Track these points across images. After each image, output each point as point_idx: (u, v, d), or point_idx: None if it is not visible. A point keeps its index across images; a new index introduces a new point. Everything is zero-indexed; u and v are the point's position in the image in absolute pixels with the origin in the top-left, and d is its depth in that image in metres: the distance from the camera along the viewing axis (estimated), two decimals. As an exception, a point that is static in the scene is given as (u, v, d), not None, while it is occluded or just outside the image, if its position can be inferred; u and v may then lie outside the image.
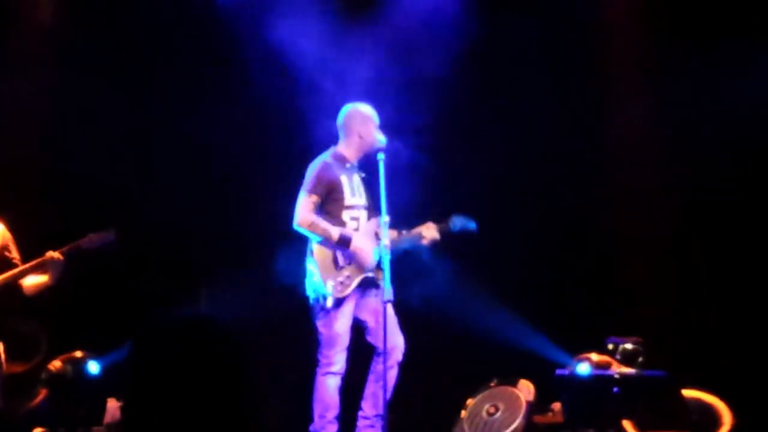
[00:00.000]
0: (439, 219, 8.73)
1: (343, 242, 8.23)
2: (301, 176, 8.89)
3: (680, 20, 10.44)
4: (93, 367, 8.93)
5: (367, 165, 8.84)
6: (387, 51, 10.34)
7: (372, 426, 8.49)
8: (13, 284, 8.18)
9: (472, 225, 8.79)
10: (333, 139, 9.03)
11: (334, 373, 8.30)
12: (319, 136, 9.40)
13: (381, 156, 8.34)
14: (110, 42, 10.62)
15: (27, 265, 8.14)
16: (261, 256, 9.84)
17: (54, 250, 8.11)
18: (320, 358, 8.36)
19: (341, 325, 8.30)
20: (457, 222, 8.72)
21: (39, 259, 8.11)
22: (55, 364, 8.74)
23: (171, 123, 10.38)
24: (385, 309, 8.04)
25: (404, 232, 8.57)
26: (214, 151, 10.47)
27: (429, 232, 8.49)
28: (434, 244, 8.62)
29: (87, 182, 10.00)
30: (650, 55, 10.65)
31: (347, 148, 8.54)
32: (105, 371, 9.06)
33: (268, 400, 10.05)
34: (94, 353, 9.02)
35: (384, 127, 8.91)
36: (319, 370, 8.38)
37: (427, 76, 10.32)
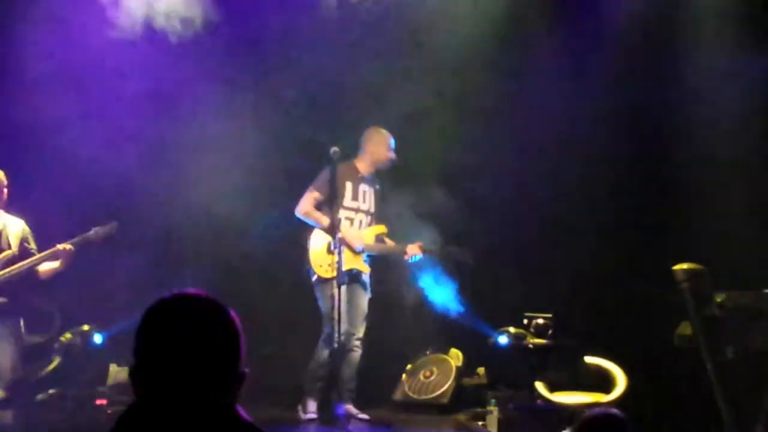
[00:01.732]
0: (432, 244, 9.24)
1: (332, 228, 8.68)
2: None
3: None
4: (97, 339, 9.31)
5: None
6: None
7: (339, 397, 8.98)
8: (32, 270, 8.41)
9: (467, 259, 9.27)
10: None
11: (331, 340, 8.67)
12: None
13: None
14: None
15: (42, 254, 8.42)
16: (235, 243, 10.41)
17: (65, 241, 8.40)
18: (323, 328, 8.86)
19: (334, 302, 8.62)
20: (453, 253, 9.25)
21: (52, 249, 8.38)
22: (66, 336, 9.11)
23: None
24: (339, 290, 8.44)
25: (396, 245, 9.13)
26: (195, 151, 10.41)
27: (412, 249, 9.01)
28: (414, 261, 9.14)
29: (92, 185, 10.04)
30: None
31: (361, 162, 9.11)
32: (107, 342, 9.42)
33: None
34: (98, 327, 9.39)
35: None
36: (320, 338, 8.89)
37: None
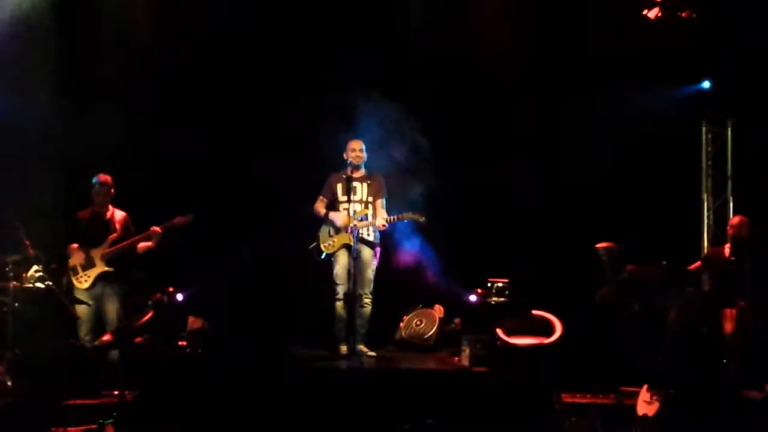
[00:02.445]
0: (394, 212, 10.05)
1: (326, 216, 10.23)
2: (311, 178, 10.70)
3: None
4: (179, 297, 10.21)
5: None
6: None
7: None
8: (132, 247, 9.77)
9: (419, 218, 9.99)
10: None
11: (338, 299, 10.20)
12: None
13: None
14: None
15: (139, 236, 9.78)
16: (280, 223, 11.24)
17: (156, 226, 9.75)
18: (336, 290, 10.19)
19: (337, 271, 10.19)
20: (406, 216, 10.02)
21: (146, 232, 9.76)
22: (157, 295, 9.91)
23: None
24: (356, 262, 9.87)
25: (374, 219, 10.09)
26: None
27: (379, 221, 10.06)
28: (382, 228, 10.09)
29: (169, 186, 11.18)
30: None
31: (346, 167, 10.27)
32: (186, 299, 10.45)
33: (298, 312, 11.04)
34: (179, 288, 10.37)
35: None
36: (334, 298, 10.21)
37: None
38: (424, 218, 10.08)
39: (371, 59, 11.39)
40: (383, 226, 10.09)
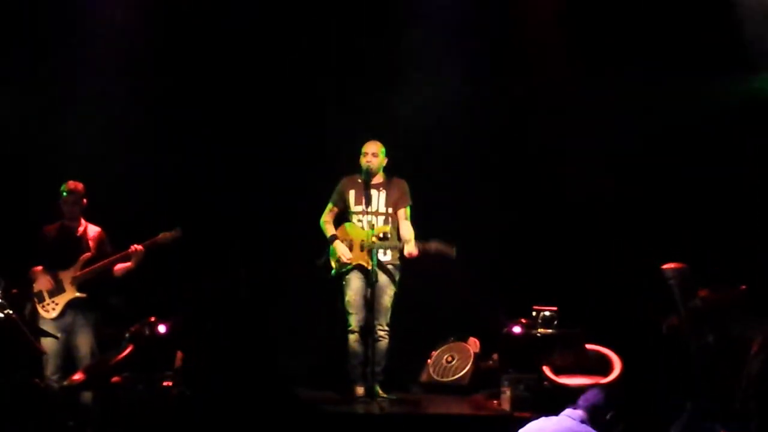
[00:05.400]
0: (425, 239, 9.42)
1: (330, 241, 9.57)
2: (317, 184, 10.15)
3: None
4: (161, 328, 9.38)
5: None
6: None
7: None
8: (107, 269, 9.23)
9: (450, 253, 9.44)
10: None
11: (352, 331, 9.52)
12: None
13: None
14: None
15: (116, 255, 9.24)
16: (283, 246, 10.93)
17: (136, 244, 9.21)
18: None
19: (349, 297, 9.51)
20: (433, 246, 9.40)
21: (125, 252, 9.23)
22: (136, 326, 9.20)
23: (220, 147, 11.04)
24: (373, 291, 9.31)
25: (397, 242, 9.44)
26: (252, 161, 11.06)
27: (409, 247, 9.31)
28: (410, 257, 9.40)
29: (157, 194, 10.79)
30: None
31: (361, 171, 9.54)
32: (171, 331, 9.45)
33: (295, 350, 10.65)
34: (163, 318, 9.44)
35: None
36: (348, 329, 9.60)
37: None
38: (455, 252, 9.45)
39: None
40: (411, 255, 9.34)
